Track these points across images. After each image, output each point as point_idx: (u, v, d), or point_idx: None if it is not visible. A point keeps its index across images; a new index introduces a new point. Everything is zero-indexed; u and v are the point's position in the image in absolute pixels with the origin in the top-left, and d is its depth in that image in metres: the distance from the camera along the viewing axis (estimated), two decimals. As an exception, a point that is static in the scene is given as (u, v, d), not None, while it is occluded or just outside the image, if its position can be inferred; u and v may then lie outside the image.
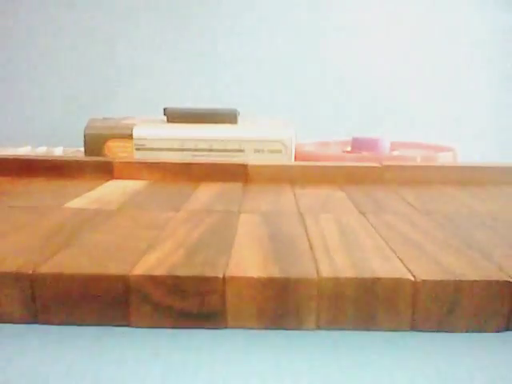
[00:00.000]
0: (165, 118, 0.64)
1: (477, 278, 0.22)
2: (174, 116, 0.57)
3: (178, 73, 0.88)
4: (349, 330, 0.22)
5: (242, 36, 0.87)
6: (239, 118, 0.63)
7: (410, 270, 0.23)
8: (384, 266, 0.23)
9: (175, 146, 0.53)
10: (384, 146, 0.63)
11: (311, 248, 0.26)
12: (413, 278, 0.22)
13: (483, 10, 0.86)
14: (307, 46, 0.87)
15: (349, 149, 0.70)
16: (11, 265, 0.23)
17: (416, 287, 0.22)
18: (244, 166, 0.46)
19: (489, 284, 0.22)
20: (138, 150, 0.53)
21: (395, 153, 0.66)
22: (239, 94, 0.88)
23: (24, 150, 0.68)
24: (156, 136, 0.53)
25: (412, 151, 0.68)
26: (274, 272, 0.22)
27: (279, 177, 0.46)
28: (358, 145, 0.64)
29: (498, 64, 0.88)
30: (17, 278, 0.22)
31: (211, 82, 0.88)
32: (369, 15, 0.87)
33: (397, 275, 0.22)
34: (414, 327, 0.22)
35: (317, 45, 0.87)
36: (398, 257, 0.25)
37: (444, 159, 0.60)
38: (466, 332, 0.22)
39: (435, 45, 0.88)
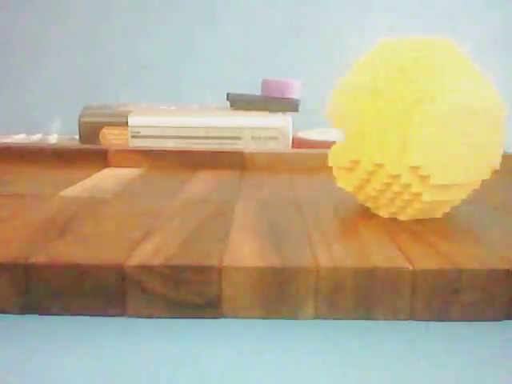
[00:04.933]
0: (228, 103, 0.62)
1: (476, 267, 0.22)
2: (237, 102, 0.55)
3: (173, 58, 0.87)
4: (347, 319, 0.22)
5: (233, 21, 0.86)
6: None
7: (408, 259, 0.23)
8: (383, 255, 0.23)
9: (171, 134, 0.52)
10: (294, 90, 0.61)
11: (309, 237, 0.26)
12: (411, 268, 0.22)
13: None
14: (306, 21, 0.87)
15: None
16: (4, 254, 0.23)
17: (415, 276, 0.22)
18: (240, 154, 0.46)
19: (488, 273, 0.22)
20: (133, 137, 0.52)
21: None
22: (231, 79, 0.87)
23: (19, 138, 0.67)
24: (152, 123, 0.52)
25: None
26: (272, 261, 0.22)
27: (276, 164, 0.46)
28: (267, 88, 0.61)
29: (504, 51, 0.87)
30: (10, 267, 0.22)
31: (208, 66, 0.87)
32: None
33: (395, 264, 0.22)
34: (412, 316, 0.22)
35: (317, 20, 0.87)
36: (397, 246, 0.25)
37: None
38: (465, 321, 0.22)
39: (440, 29, 0.87)
